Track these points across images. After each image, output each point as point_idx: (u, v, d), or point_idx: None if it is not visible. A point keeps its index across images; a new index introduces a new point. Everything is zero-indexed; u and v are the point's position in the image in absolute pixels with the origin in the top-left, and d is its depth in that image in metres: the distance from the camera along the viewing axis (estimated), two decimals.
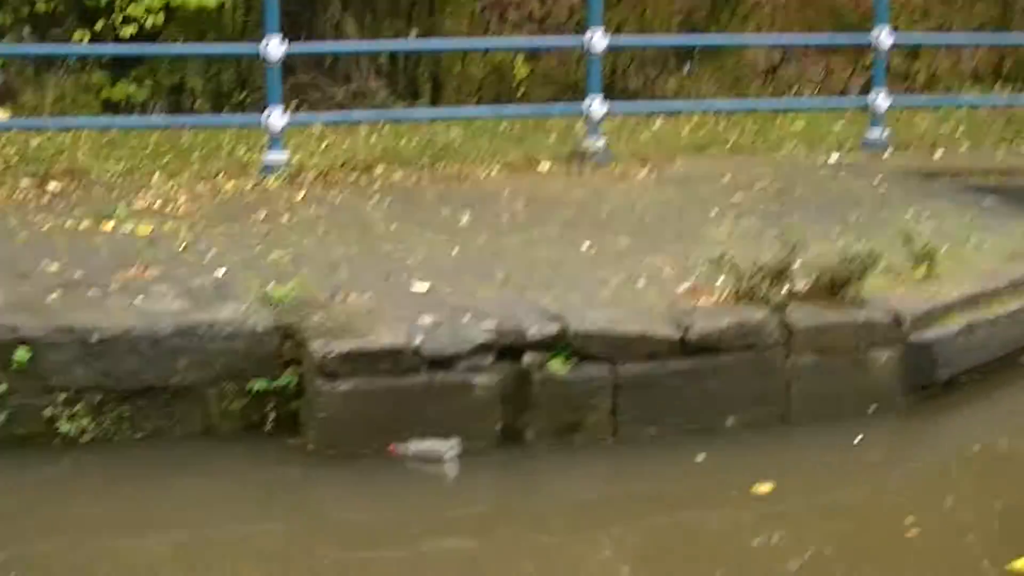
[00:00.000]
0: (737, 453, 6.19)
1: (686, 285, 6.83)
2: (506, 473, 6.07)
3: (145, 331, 6.01)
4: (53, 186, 8.92)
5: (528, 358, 6.08)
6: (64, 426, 5.92)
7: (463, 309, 6.34)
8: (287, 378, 6.13)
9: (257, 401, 6.16)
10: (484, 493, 5.96)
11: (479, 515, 5.73)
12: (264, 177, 9.24)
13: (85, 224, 7.91)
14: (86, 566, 5.05)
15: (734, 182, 9.40)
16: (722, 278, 6.64)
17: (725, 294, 6.59)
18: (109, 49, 11.06)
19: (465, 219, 8.32)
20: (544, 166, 9.91)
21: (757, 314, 6.38)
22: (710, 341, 6.28)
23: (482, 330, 6.08)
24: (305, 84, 11.20)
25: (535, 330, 6.11)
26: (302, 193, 8.91)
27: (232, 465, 5.99)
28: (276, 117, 9.35)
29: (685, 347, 6.26)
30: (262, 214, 8.29)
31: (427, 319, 6.20)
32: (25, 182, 8.93)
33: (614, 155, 10.05)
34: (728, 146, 10.63)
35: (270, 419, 6.17)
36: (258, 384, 6.12)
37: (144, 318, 6.10)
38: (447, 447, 5.94)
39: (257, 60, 9.73)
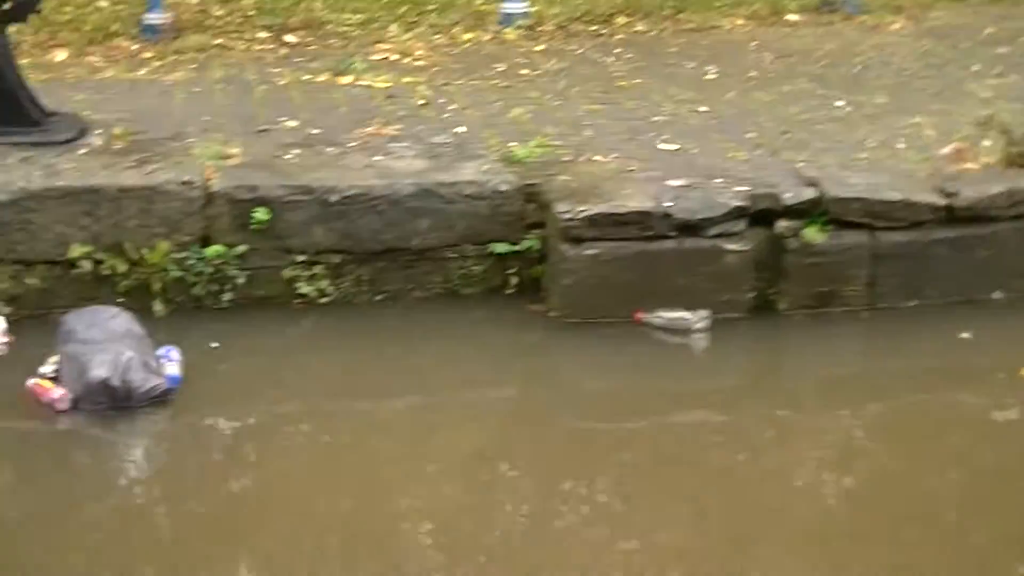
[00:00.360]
0: (1005, 330, 5.74)
1: (949, 148, 6.29)
2: (756, 346, 5.75)
3: (385, 191, 5.84)
4: (290, 38, 8.80)
5: (782, 224, 5.71)
6: (303, 288, 5.84)
7: (713, 171, 6.00)
8: (530, 242, 5.92)
9: (498, 264, 5.98)
10: (733, 366, 5.64)
11: (727, 388, 5.44)
12: (502, 28, 8.95)
13: (323, 77, 7.79)
14: (324, 428, 4.99)
15: (997, 34, 8.70)
16: (989, 140, 6.15)
17: (993, 158, 6.08)
18: None
19: (711, 73, 7.91)
20: (792, 16, 9.37)
21: None
22: (978, 209, 5.80)
23: (734, 194, 5.73)
24: None
25: (790, 195, 5.74)
26: (541, 45, 8.59)
27: (471, 329, 5.81)
28: None
29: (950, 215, 5.79)
30: (501, 67, 8.03)
31: (676, 182, 5.90)
32: (263, 35, 8.83)
33: (866, 4, 9.44)
34: None
35: (511, 283, 6.00)
36: (500, 247, 5.93)
37: (384, 177, 5.92)
38: (696, 317, 5.66)
39: None
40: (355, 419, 5.10)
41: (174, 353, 5.15)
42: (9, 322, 5.50)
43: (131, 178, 5.74)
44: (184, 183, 5.72)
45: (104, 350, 4.85)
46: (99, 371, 4.79)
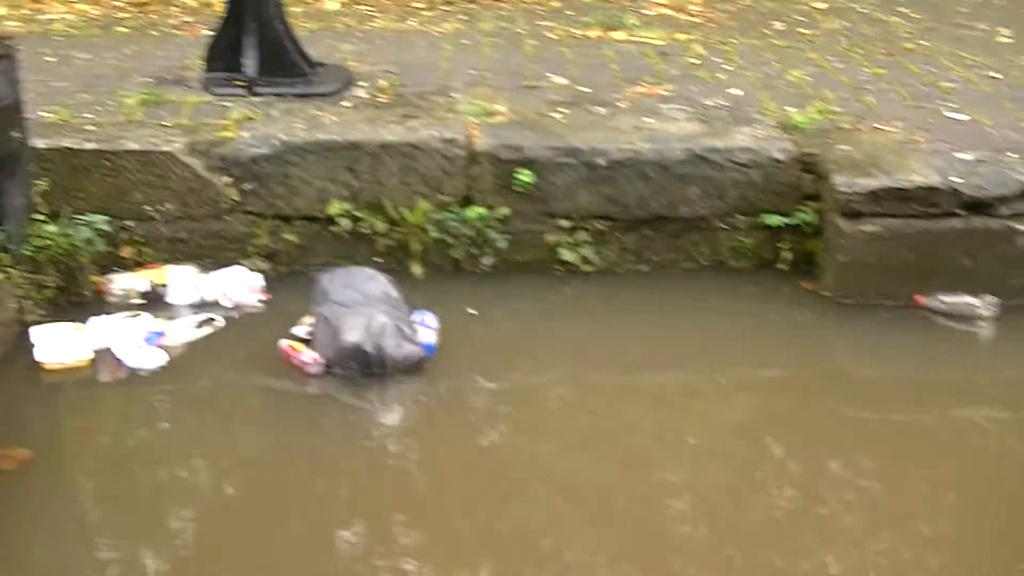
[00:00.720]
0: None
1: None
2: None
3: (655, 156, 5.55)
4: None
5: None
6: (566, 254, 5.61)
7: (1007, 144, 5.52)
8: (804, 215, 5.54)
9: (770, 237, 5.65)
10: (1022, 359, 5.13)
11: (1014, 383, 4.96)
12: None
13: (594, 32, 7.52)
14: (582, 399, 4.79)
15: None
16: None
17: None
18: None
19: (1004, 36, 7.27)
20: None
21: None
22: None
23: None
24: None
25: None
26: (822, 3, 8.10)
27: (739, 304, 5.48)
28: None
29: None
30: (779, 26, 7.61)
31: (965, 155, 5.43)
32: None
33: None
34: None
35: (783, 258, 5.66)
36: (772, 219, 5.58)
37: (653, 141, 5.62)
38: (982, 303, 5.21)
39: None
40: (614, 391, 4.86)
41: (430, 319, 4.97)
42: (266, 278, 5.45)
43: (393, 134, 5.58)
44: (447, 140, 5.53)
45: (358, 314, 4.71)
46: (352, 336, 4.65)
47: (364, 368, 4.67)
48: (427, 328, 4.90)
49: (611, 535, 3.95)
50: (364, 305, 4.76)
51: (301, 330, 4.91)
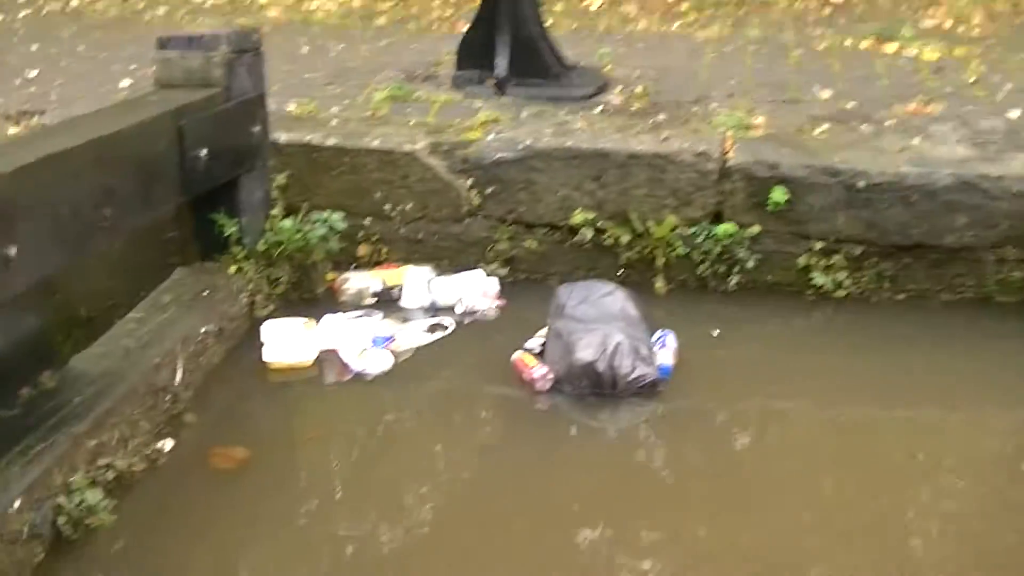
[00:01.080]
0: None
1: None
2: None
3: (920, 180, 5.13)
4: None
5: None
6: (818, 278, 5.27)
7: None
8: None
9: None
10: None
11: None
12: None
13: (865, 43, 7.12)
14: (824, 430, 4.44)
15: None
16: None
17: None
18: None
19: None
20: None
21: None
22: None
23: None
24: None
25: None
26: None
27: (1002, 342, 5.01)
28: None
29: None
30: None
31: None
32: None
33: None
34: None
35: None
36: None
37: (919, 165, 5.20)
38: None
39: None
40: (863, 420, 4.46)
41: (670, 339, 4.70)
42: (502, 284, 5.27)
43: (644, 143, 5.33)
44: (700, 154, 5.25)
45: (593, 331, 4.47)
46: (584, 354, 4.41)
47: (595, 387, 4.43)
48: (665, 349, 4.63)
49: (855, 553, 3.64)
50: (600, 322, 4.52)
51: (535, 343, 4.70)
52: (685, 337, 4.82)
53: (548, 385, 4.47)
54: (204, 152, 4.49)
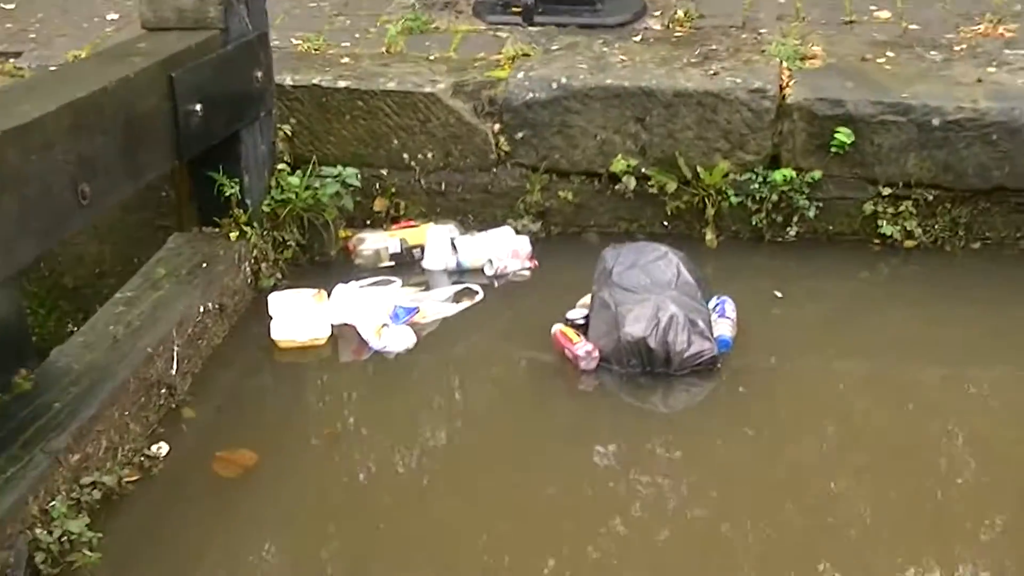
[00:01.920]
0: None
1: None
2: None
3: (1003, 116, 4.58)
4: None
5: None
6: (885, 227, 4.77)
7: None
8: None
9: None
10: None
11: None
12: None
13: None
14: (895, 391, 4.00)
15: None
16: None
17: None
18: None
19: None
20: None
21: None
22: None
23: None
24: None
25: None
26: None
27: None
28: None
29: None
30: None
31: None
32: None
33: None
34: None
35: None
36: None
37: (1002, 99, 4.64)
38: None
39: None
40: (932, 385, 4.08)
41: (728, 307, 4.17)
42: (535, 241, 4.75)
43: (692, 80, 4.76)
44: (754, 91, 4.69)
45: (644, 301, 3.94)
46: (635, 328, 3.89)
47: (647, 365, 3.92)
48: (724, 319, 4.10)
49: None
50: (652, 291, 3.98)
51: (577, 313, 4.17)
52: (739, 295, 4.32)
53: (594, 364, 3.96)
54: (199, 106, 3.94)
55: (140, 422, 3.58)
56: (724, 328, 4.07)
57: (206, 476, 3.52)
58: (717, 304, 4.17)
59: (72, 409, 3.32)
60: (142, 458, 3.51)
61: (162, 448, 3.58)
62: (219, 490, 3.48)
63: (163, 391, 3.72)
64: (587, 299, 4.20)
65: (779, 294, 4.50)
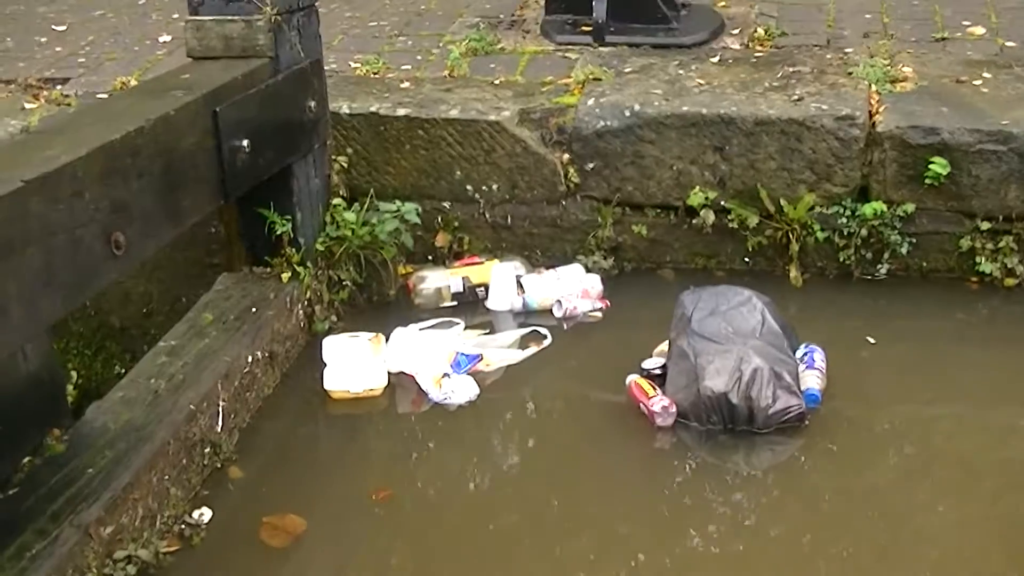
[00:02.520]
0: None
1: None
2: None
3: None
4: None
5: None
6: (984, 264, 4.44)
7: None
8: None
9: None
10: None
11: None
12: None
13: None
14: (987, 438, 3.70)
15: None
16: None
17: None
18: None
19: None
20: None
21: None
22: None
23: None
24: None
25: None
26: None
27: None
28: None
29: None
30: None
31: None
32: None
33: None
34: None
35: None
36: None
37: None
38: None
39: None
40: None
41: (817, 356, 3.84)
42: (605, 279, 4.46)
43: (774, 106, 4.45)
44: (842, 118, 4.37)
45: (726, 353, 3.62)
46: (715, 382, 3.58)
47: (728, 422, 3.60)
48: (812, 370, 3.77)
49: None
50: (735, 341, 3.66)
51: (654, 363, 3.86)
52: (826, 337, 4.01)
53: (671, 420, 3.65)
54: (246, 141, 3.67)
55: (181, 485, 3.31)
56: (812, 381, 3.74)
57: (252, 545, 3.24)
58: (805, 353, 3.84)
59: (106, 475, 3.06)
60: (183, 526, 3.24)
61: (204, 515, 3.31)
62: (265, 561, 3.19)
63: (207, 450, 3.46)
64: (664, 346, 3.89)
65: (872, 340, 4.16)
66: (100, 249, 3.01)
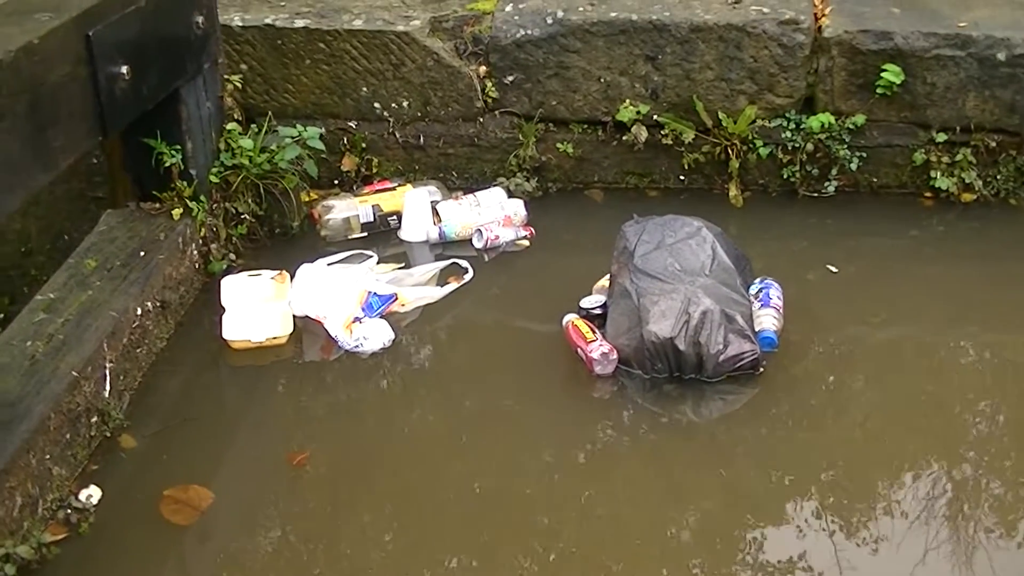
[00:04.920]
0: None
1: None
2: None
3: None
4: None
5: None
6: (940, 179, 4.22)
7: None
8: None
9: None
10: None
11: None
12: None
13: None
14: (940, 361, 3.55)
15: None
16: None
17: None
18: None
19: None
20: None
21: None
22: None
23: None
24: None
25: None
26: None
27: None
28: None
29: None
30: None
31: None
32: None
33: None
34: None
35: None
36: None
37: None
38: None
39: None
40: (984, 352, 3.54)
41: (774, 293, 3.51)
42: (529, 203, 4.10)
43: (711, 10, 4.13)
44: (785, 22, 4.06)
45: (672, 293, 3.28)
46: (660, 326, 3.24)
47: (675, 370, 3.28)
48: (768, 309, 3.44)
49: None
50: (681, 279, 3.32)
51: (594, 302, 3.52)
52: (768, 260, 3.75)
53: (612, 368, 3.32)
54: (125, 68, 3.20)
55: (66, 463, 2.92)
56: (768, 321, 3.41)
57: (152, 524, 2.87)
58: (760, 290, 3.51)
59: None
60: (68, 511, 2.86)
61: (92, 496, 2.93)
62: (168, 542, 2.83)
63: (94, 420, 3.06)
64: (605, 282, 3.54)
65: (834, 269, 3.89)
66: None
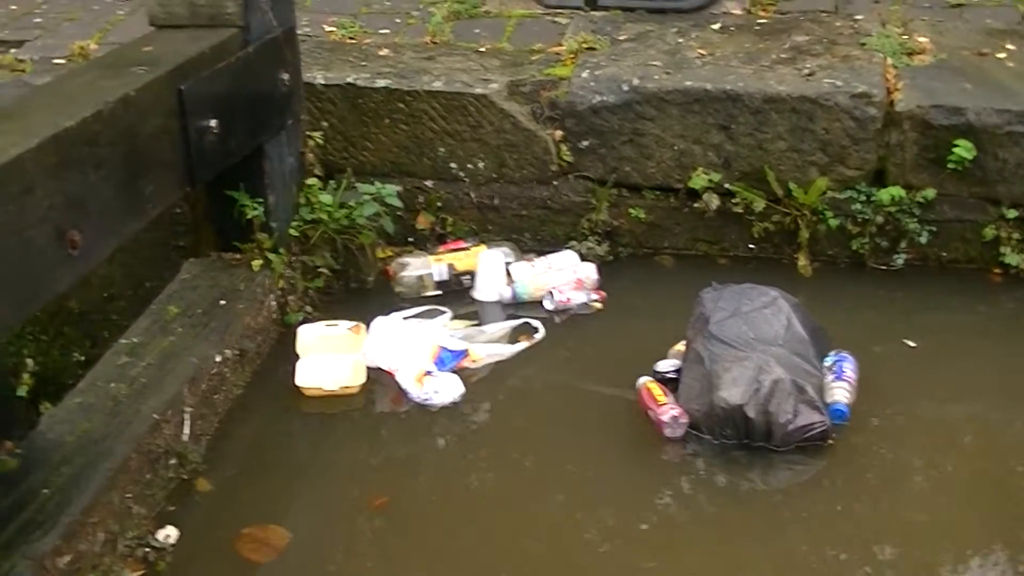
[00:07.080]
0: None
1: None
2: None
3: None
4: None
5: None
6: (1010, 255, 4.17)
7: None
8: None
9: None
10: None
11: None
12: None
13: None
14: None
15: None
16: None
17: None
18: None
19: None
20: None
21: None
22: None
23: None
24: None
25: None
26: None
27: None
28: None
29: None
30: None
31: None
32: None
33: None
34: None
35: None
36: None
37: None
38: None
39: None
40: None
41: (847, 367, 3.51)
42: (601, 266, 4.15)
43: (784, 82, 4.13)
44: (858, 96, 4.05)
45: (745, 360, 3.31)
46: (731, 393, 3.27)
47: (744, 437, 3.30)
48: (840, 382, 3.45)
49: None
50: (755, 348, 3.35)
51: (668, 366, 3.55)
52: (837, 333, 3.70)
53: (681, 432, 3.34)
54: (214, 122, 3.31)
55: (145, 503, 2.99)
56: (840, 394, 3.41)
57: (228, 563, 2.93)
58: (835, 362, 3.52)
59: (62, 498, 2.73)
60: (147, 549, 2.92)
61: (170, 536, 2.99)
62: None
63: (172, 462, 3.13)
64: (681, 346, 3.58)
65: (912, 344, 3.85)
66: (54, 250, 2.65)
